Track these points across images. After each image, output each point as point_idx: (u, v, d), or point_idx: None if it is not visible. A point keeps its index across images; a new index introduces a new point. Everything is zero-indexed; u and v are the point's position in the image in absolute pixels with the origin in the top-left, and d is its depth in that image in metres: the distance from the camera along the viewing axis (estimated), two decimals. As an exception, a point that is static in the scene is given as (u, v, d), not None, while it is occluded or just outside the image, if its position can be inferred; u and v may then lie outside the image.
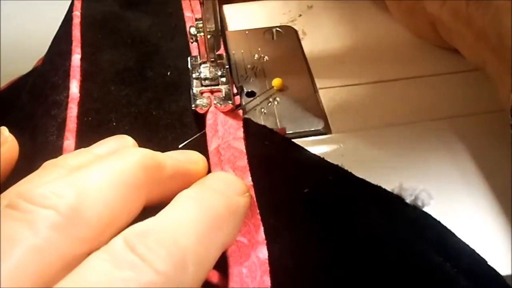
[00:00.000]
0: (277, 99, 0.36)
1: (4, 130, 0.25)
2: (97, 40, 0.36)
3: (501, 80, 0.33)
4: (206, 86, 0.33)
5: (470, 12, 0.34)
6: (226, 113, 0.31)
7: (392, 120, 0.36)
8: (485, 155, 0.33)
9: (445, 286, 0.25)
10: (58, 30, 0.37)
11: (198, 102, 0.31)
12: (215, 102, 0.31)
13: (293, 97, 0.36)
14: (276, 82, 0.37)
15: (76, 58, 0.34)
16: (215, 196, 0.23)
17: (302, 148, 0.31)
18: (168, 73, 0.34)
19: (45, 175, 0.22)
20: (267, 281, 0.23)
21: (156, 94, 0.33)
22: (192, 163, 0.26)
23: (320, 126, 0.35)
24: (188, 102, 0.32)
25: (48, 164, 0.23)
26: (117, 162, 0.21)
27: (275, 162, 0.30)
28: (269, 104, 0.36)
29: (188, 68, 0.34)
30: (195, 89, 0.32)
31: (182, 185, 0.24)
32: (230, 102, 0.31)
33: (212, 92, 0.32)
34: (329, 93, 0.38)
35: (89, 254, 0.19)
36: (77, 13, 0.37)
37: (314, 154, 0.31)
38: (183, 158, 0.25)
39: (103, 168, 0.21)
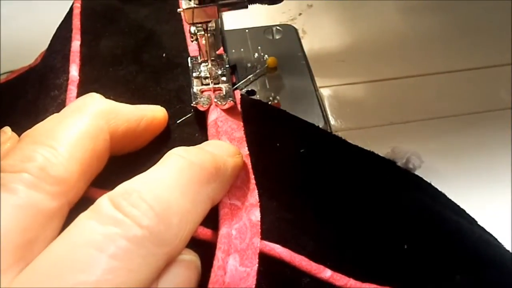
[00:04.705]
0: (277, 97, 0.36)
1: (7, 129, 0.25)
2: (96, 28, 0.37)
3: None
4: (206, 85, 0.33)
5: None
6: (227, 110, 0.31)
7: (392, 119, 0.36)
8: (488, 155, 0.34)
9: (435, 224, 0.26)
10: (61, 23, 0.38)
11: (198, 100, 0.31)
12: (215, 100, 0.31)
13: (293, 95, 0.37)
14: (270, 60, 0.38)
15: (75, 44, 0.35)
16: (201, 153, 0.23)
17: (298, 117, 0.32)
18: (164, 55, 0.35)
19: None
20: (257, 242, 0.23)
21: (153, 73, 0.34)
22: (151, 108, 0.28)
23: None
24: (185, 80, 0.33)
25: (23, 137, 0.24)
26: (76, 117, 0.23)
27: (271, 130, 0.30)
28: (269, 103, 0.36)
29: (185, 51, 0.35)
30: (196, 88, 0.32)
31: (144, 128, 0.26)
32: (230, 99, 0.31)
33: (212, 90, 0.32)
34: (329, 91, 0.38)
35: (69, 205, 0.21)
36: (77, 5, 0.38)
37: (310, 123, 0.32)
38: (142, 107, 0.28)
39: (64, 125, 0.23)
